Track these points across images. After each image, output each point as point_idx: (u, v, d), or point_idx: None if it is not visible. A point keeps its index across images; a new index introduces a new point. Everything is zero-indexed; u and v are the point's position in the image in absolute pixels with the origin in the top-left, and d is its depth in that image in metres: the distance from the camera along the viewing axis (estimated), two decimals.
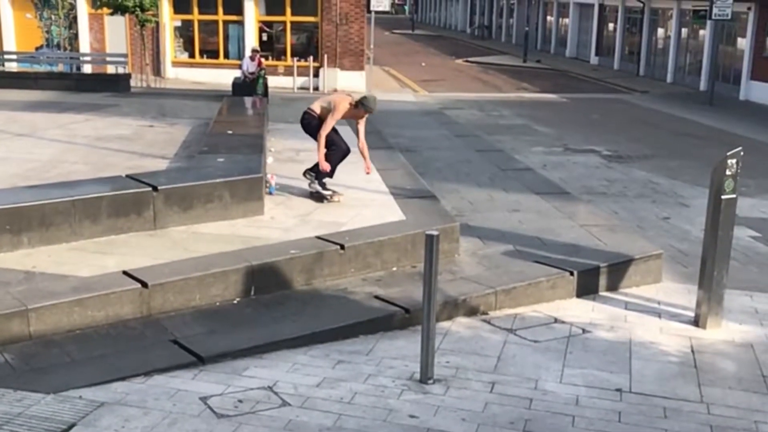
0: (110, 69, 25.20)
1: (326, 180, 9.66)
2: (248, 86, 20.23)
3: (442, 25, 71.49)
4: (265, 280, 7.12)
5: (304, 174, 9.72)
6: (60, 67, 26.84)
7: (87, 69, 26.36)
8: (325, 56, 26.27)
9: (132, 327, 6.36)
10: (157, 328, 6.36)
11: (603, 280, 7.93)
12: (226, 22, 27.40)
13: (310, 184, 9.66)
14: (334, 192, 9.58)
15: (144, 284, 6.53)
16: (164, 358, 5.82)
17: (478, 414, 5.30)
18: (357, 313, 6.77)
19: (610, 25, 38.70)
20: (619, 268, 8.06)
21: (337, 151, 9.66)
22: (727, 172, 6.92)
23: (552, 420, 5.29)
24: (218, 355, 5.89)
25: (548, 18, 47.09)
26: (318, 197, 9.50)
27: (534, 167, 14.08)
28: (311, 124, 9.62)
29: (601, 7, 39.30)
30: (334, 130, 9.59)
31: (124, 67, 24.57)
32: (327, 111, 9.42)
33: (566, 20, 43.86)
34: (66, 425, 4.73)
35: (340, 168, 9.77)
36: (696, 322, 7.20)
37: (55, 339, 6.07)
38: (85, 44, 27.50)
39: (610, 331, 6.97)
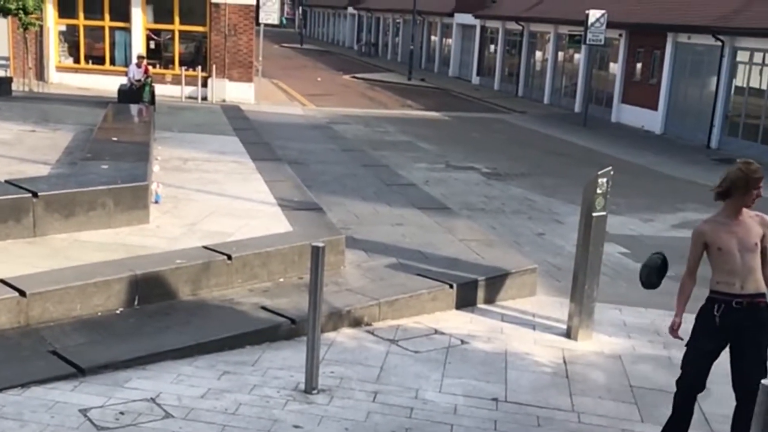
0: None
1: None
2: (134, 93, 19.80)
3: (330, 41, 71.79)
4: (149, 290, 7.03)
5: None
6: None
7: None
8: (214, 66, 26.02)
9: (9, 337, 6.18)
10: (35, 339, 6.20)
11: (481, 293, 8.21)
12: (112, 29, 26.72)
13: None
14: None
15: (22, 293, 6.36)
16: (42, 369, 5.70)
17: (361, 423, 5.44)
18: (243, 324, 6.79)
19: (491, 47, 39.79)
20: (496, 282, 8.36)
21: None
22: (598, 191, 7.28)
23: (432, 429, 5.48)
24: (99, 366, 5.81)
25: (432, 38, 48.02)
26: None
27: (417, 183, 14.35)
28: None
29: (483, 28, 40.38)
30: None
31: (6, 71, 23.71)
32: None
33: (449, 40, 44.83)
34: None
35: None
36: (568, 334, 7.53)
37: None
38: None
39: (487, 342, 7.22)
